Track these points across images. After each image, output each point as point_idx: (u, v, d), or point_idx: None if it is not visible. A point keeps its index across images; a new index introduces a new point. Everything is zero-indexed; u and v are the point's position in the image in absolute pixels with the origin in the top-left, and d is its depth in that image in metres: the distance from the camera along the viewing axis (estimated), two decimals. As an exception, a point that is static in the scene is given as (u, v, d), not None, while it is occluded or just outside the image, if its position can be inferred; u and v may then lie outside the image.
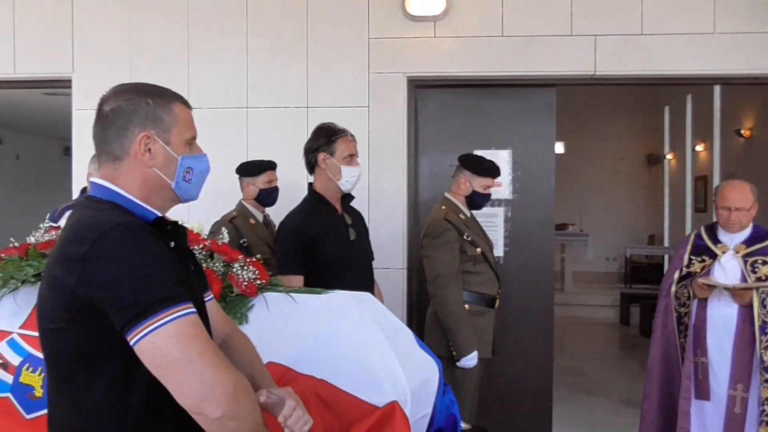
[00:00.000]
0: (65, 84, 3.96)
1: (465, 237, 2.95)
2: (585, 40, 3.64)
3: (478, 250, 2.97)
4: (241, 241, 3.28)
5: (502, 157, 3.81)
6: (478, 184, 3.05)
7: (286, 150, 3.66)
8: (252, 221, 3.45)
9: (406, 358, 1.79)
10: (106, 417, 1.19)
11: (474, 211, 3.15)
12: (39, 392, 1.77)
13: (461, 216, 3.03)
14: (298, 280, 2.50)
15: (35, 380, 1.77)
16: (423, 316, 3.34)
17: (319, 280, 2.47)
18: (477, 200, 3.08)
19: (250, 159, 3.59)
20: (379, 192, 3.74)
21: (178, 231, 1.33)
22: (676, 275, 3.12)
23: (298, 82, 3.79)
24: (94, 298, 1.13)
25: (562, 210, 8.83)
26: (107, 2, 3.89)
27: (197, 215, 3.14)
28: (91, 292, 1.13)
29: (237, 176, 3.49)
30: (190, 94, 3.74)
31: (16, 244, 2.08)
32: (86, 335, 1.18)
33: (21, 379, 1.80)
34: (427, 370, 1.89)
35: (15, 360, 1.84)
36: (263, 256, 3.25)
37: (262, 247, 3.36)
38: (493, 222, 3.86)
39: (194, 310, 1.16)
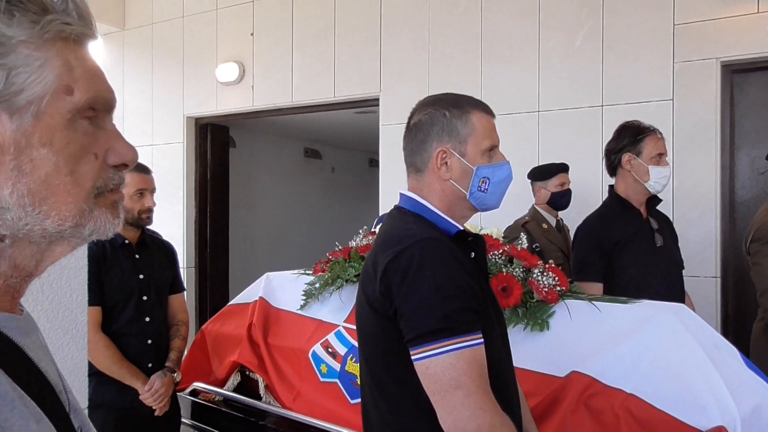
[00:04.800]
0: (373, 103, 4.41)
1: (804, 243, 2.50)
2: None
3: (822, 258, 2.49)
4: (533, 246, 3.26)
5: None
6: (820, 180, 2.56)
7: (579, 152, 3.55)
8: (545, 226, 3.40)
9: (732, 379, 1.57)
10: (419, 422, 1.23)
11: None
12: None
13: (798, 218, 2.57)
14: (597, 288, 2.38)
15: (357, 370, 1.94)
16: (741, 332, 2.93)
17: (621, 289, 2.31)
18: (819, 199, 2.58)
19: (541, 163, 3.55)
20: (687, 193, 3.39)
21: (478, 242, 1.34)
22: None
23: (591, 80, 3.64)
24: (389, 307, 1.20)
25: None
26: (409, 26, 4.22)
27: (490, 219, 3.22)
28: (388, 301, 1.20)
29: (529, 181, 3.48)
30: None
31: (340, 247, 2.36)
32: (390, 340, 1.23)
33: (347, 368, 2.02)
34: (759, 394, 1.64)
35: (341, 350, 2.08)
36: (556, 262, 3.20)
37: (555, 252, 3.29)
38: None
39: (477, 342, 1.15)
